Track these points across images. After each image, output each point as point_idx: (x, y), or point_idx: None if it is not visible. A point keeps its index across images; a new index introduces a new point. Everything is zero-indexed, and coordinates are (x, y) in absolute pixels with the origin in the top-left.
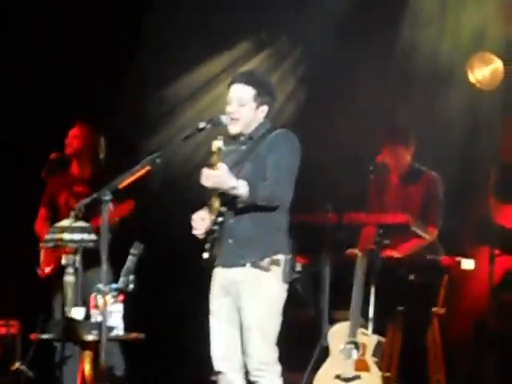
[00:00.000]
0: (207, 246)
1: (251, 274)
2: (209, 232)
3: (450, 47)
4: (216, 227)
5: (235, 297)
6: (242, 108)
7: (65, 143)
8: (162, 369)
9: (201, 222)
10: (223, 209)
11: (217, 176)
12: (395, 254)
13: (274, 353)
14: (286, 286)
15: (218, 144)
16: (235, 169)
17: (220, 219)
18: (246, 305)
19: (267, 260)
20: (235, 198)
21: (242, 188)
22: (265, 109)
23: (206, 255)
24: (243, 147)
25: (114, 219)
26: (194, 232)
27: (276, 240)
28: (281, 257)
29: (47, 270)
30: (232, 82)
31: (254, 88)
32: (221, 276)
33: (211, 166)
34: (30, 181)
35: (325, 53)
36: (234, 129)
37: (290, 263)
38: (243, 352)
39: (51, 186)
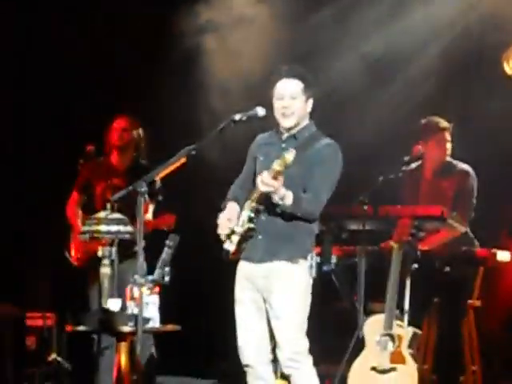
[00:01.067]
0: (234, 238)
1: (281, 267)
2: (244, 224)
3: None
4: (252, 224)
5: (263, 290)
6: (294, 101)
7: (110, 134)
8: (197, 362)
9: (226, 222)
10: (261, 207)
11: (274, 186)
12: (424, 247)
13: (305, 343)
14: (311, 281)
15: (291, 157)
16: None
17: (254, 215)
18: (277, 296)
19: (298, 258)
20: (277, 204)
21: (287, 199)
22: (311, 103)
23: (231, 247)
24: (284, 145)
25: (148, 228)
26: (219, 231)
27: (306, 243)
28: (308, 255)
29: (78, 256)
30: (280, 77)
31: (302, 81)
32: (248, 270)
33: (274, 174)
34: (62, 172)
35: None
36: (288, 122)
37: (315, 259)
38: (274, 344)
39: (87, 173)
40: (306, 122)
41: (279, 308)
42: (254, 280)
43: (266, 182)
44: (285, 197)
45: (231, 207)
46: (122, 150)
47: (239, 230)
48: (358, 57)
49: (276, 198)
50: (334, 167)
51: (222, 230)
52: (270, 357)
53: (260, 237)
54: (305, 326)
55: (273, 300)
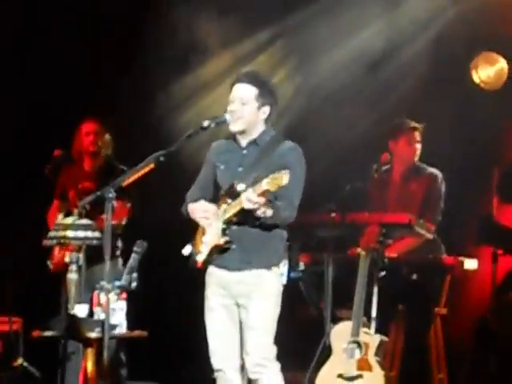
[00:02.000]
0: (205, 250)
1: (256, 276)
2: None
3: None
4: (227, 237)
5: (238, 295)
6: (244, 107)
7: (80, 139)
8: (165, 367)
9: (202, 207)
10: (235, 219)
11: (260, 203)
12: (392, 254)
13: (273, 350)
14: (282, 288)
15: (287, 180)
16: (245, 176)
17: (227, 227)
18: (250, 304)
19: (272, 265)
20: (256, 217)
21: (268, 212)
22: (266, 110)
23: (201, 258)
24: (245, 151)
25: (119, 221)
26: (197, 215)
27: (279, 250)
28: (282, 262)
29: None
30: (235, 82)
31: (257, 88)
32: (221, 276)
33: (262, 192)
34: (35, 176)
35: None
36: (235, 127)
37: (287, 266)
38: (243, 350)
39: (63, 180)
40: (261, 127)
41: (255, 315)
42: (228, 286)
43: (252, 200)
44: (266, 210)
45: (198, 203)
46: (94, 155)
47: (212, 241)
48: (339, 56)
49: (259, 213)
50: (301, 171)
51: (205, 223)
52: (240, 362)
53: (234, 246)
54: (273, 333)
55: (250, 307)
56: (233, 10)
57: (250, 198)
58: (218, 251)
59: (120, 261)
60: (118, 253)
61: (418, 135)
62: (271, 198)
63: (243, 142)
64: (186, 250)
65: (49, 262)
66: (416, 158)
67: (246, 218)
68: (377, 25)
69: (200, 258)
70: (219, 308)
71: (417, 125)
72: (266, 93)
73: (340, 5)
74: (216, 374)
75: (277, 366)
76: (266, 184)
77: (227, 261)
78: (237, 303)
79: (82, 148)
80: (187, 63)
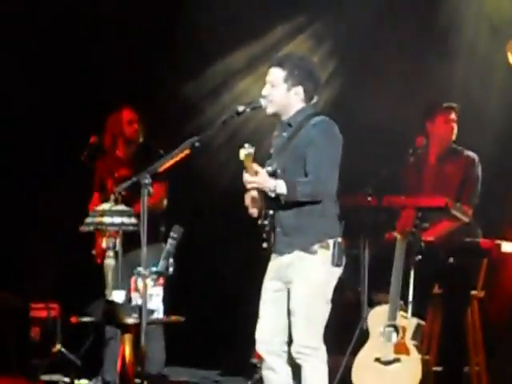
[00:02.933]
0: (264, 235)
1: (298, 258)
2: (262, 221)
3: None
4: (267, 220)
5: (285, 281)
6: (274, 90)
7: (114, 126)
8: (202, 352)
9: (253, 201)
10: (270, 201)
11: (254, 182)
12: (428, 237)
13: (317, 338)
14: (335, 270)
15: (243, 152)
16: (277, 158)
17: (269, 211)
18: (291, 288)
19: (315, 245)
20: (276, 197)
21: (280, 188)
22: (299, 91)
23: (264, 245)
24: (284, 134)
25: (156, 202)
26: (250, 211)
27: (321, 226)
28: (329, 240)
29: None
30: (269, 65)
31: (285, 69)
32: (274, 262)
33: (248, 171)
34: (72, 164)
35: (364, 34)
36: (268, 110)
37: (339, 246)
38: (290, 335)
39: (100, 170)
40: (297, 107)
41: (296, 301)
42: (279, 270)
43: (244, 179)
44: (276, 187)
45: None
46: (130, 142)
47: (261, 224)
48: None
49: (268, 192)
50: (328, 145)
51: (252, 210)
52: (285, 349)
53: (278, 229)
54: (322, 320)
55: (292, 292)
56: None
57: (244, 179)
58: (272, 237)
59: (163, 245)
60: (161, 237)
61: (454, 114)
62: (297, 176)
63: (284, 124)
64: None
65: (94, 252)
66: (453, 138)
67: (271, 200)
68: None
69: (264, 245)
70: (270, 292)
71: (453, 104)
72: (296, 73)
73: None
74: (261, 359)
75: (321, 354)
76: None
77: (277, 244)
78: (287, 288)
79: (122, 136)
80: (225, 46)
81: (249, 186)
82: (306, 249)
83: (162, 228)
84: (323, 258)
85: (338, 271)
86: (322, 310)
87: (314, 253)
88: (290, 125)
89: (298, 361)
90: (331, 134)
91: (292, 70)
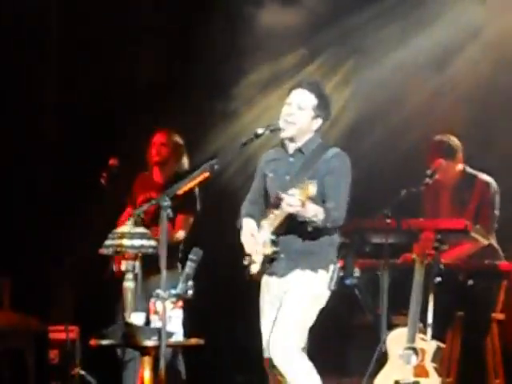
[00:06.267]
0: (258, 260)
1: (300, 273)
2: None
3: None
4: (276, 247)
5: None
6: (301, 112)
7: (149, 149)
8: (221, 374)
9: (251, 239)
10: (282, 229)
11: (300, 206)
12: (448, 260)
13: (295, 348)
14: (327, 294)
15: (314, 191)
16: (288, 181)
17: (277, 238)
18: (288, 296)
19: (317, 268)
20: (305, 222)
21: (320, 215)
22: (319, 122)
23: (255, 269)
24: (291, 159)
25: (173, 234)
26: (247, 250)
27: (328, 254)
28: (331, 266)
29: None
30: (296, 87)
31: (317, 98)
32: (271, 284)
33: (302, 200)
34: (89, 188)
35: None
36: (287, 132)
37: (338, 272)
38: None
39: (136, 188)
40: (309, 135)
41: (285, 309)
42: (278, 293)
43: (292, 203)
44: (318, 213)
45: (249, 224)
46: (161, 165)
47: (263, 252)
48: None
49: (310, 216)
50: (346, 175)
51: (250, 249)
52: None
53: (282, 255)
54: (301, 333)
55: (284, 301)
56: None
57: (289, 202)
58: (268, 261)
59: (179, 270)
60: (178, 263)
61: (458, 154)
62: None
63: (290, 149)
64: (247, 260)
65: (114, 267)
66: (463, 168)
67: (296, 225)
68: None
69: (254, 269)
70: (271, 315)
71: (455, 145)
72: (323, 105)
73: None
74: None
75: (302, 365)
76: (298, 195)
77: (276, 268)
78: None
79: (150, 158)
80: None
81: (290, 209)
82: (311, 268)
83: (178, 254)
84: (322, 278)
85: (327, 296)
86: (305, 325)
87: (316, 272)
88: (301, 151)
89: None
90: (347, 164)
91: (322, 101)
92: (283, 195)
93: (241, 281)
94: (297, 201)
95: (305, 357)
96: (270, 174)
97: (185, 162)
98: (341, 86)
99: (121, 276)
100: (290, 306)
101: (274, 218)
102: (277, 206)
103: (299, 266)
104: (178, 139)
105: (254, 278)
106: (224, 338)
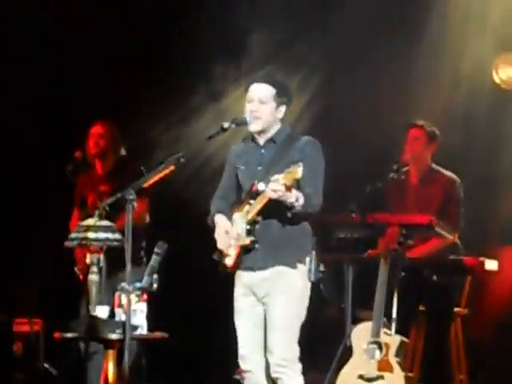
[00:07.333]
0: (232, 252)
1: (277, 272)
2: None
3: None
4: (252, 236)
5: (263, 294)
6: (263, 106)
7: (87, 142)
8: (185, 369)
9: (224, 235)
10: (259, 218)
11: (281, 190)
12: (414, 255)
13: (295, 350)
14: (309, 285)
15: (300, 173)
16: (269, 173)
17: (251, 227)
18: (272, 303)
19: (296, 261)
20: (284, 208)
21: (300, 199)
22: (283, 109)
23: (230, 262)
24: (263, 150)
25: (138, 218)
26: (220, 246)
27: (302, 243)
28: (307, 257)
29: (79, 267)
30: (252, 82)
31: (275, 88)
32: (247, 278)
33: (286, 187)
34: (53, 180)
35: (348, 53)
36: (255, 127)
37: (315, 262)
38: (266, 349)
39: (81, 186)
40: (278, 126)
41: (276, 313)
42: (255, 288)
43: (277, 189)
44: (299, 197)
45: (222, 220)
46: (101, 157)
47: (238, 243)
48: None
49: (292, 201)
50: (321, 162)
51: (223, 245)
52: (264, 364)
53: (257, 246)
54: (297, 333)
55: (272, 305)
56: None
57: (274, 188)
58: (244, 251)
59: (144, 262)
60: (143, 254)
61: (419, 133)
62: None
63: (261, 141)
64: (216, 255)
65: (76, 269)
66: (431, 163)
67: (271, 215)
68: None
69: (229, 262)
70: (247, 309)
71: (418, 122)
72: (283, 93)
73: None
74: (244, 375)
75: (298, 367)
76: (284, 179)
77: (251, 261)
78: (262, 303)
79: (89, 151)
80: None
81: (273, 194)
82: (289, 264)
83: (143, 244)
84: (301, 272)
85: (309, 287)
86: (298, 324)
87: (295, 267)
88: (273, 141)
89: (276, 374)
90: (321, 151)
91: (280, 89)
92: (270, 184)
93: (210, 274)
94: (281, 185)
95: (300, 366)
96: (241, 167)
97: (123, 151)
98: (310, 75)
99: (81, 274)
100: (281, 316)
101: (250, 208)
102: (252, 196)
103: (277, 261)
104: (116, 130)
105: (229, 271)
106: (188, 332)
